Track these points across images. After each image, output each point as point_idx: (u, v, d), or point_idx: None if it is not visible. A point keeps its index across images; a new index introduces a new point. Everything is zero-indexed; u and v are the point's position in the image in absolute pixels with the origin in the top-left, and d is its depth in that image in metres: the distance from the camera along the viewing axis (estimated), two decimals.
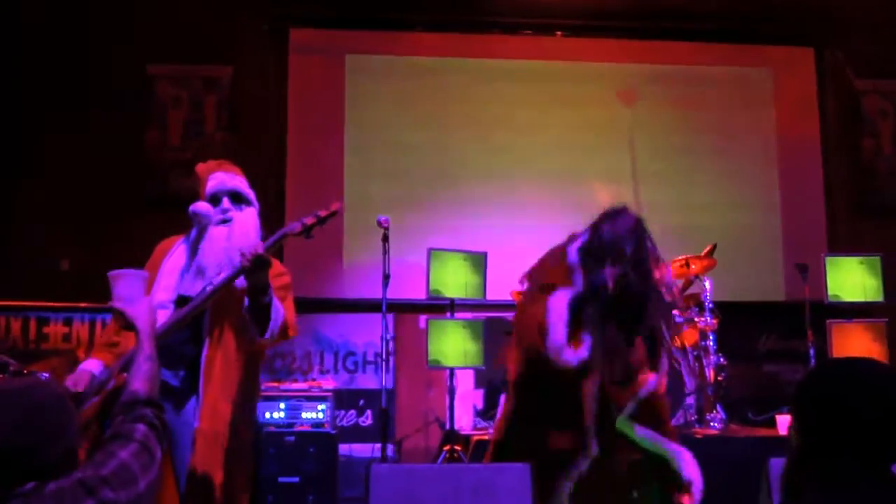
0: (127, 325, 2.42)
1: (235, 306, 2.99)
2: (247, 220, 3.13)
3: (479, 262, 5.52)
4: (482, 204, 6.98)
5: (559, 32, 7.47)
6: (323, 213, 3.02)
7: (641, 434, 2.99)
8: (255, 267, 2.82)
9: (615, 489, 2.98)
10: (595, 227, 3.09)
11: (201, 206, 3.11)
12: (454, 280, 5.41)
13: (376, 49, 7.28)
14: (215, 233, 3.09)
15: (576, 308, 2.97)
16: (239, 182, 3.19)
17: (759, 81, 7.58)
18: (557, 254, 3.17)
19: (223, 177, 3.17)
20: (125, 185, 6.67)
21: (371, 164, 7.04)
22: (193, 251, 3.08)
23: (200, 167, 3.23)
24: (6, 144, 6.64)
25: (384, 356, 3.73)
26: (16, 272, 6.17)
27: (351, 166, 7.05)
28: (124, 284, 2.63)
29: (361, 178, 7.00)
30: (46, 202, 6.56)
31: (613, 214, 3.07)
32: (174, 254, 3.17)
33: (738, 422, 5.79)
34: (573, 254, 3.08)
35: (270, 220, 6.88)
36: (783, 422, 5.12)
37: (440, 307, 5.83)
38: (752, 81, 7.58)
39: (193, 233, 3.13)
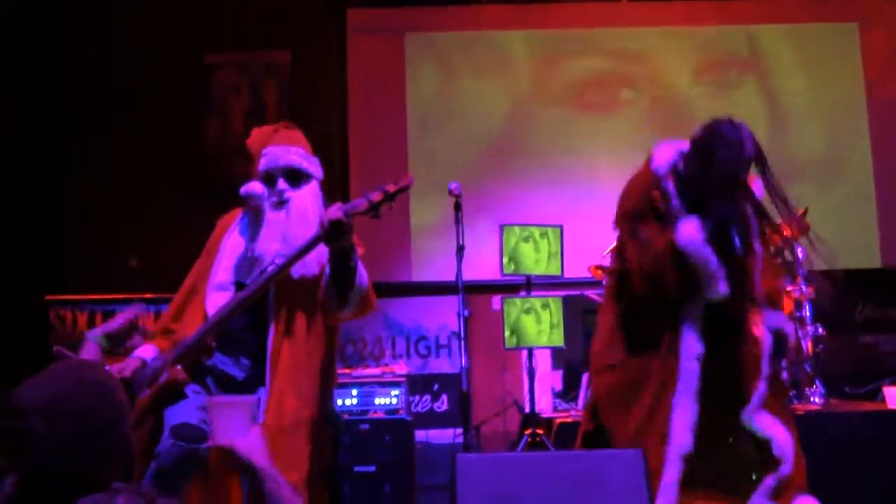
0: (235, 465, 2.04)
1: (305, 290, 2.79)
2: (305, 199, 2.89)
3: (555, 236, 5.23)
4: (556, 178, 6.70)
5: None
6: (391, 188, 2.71)
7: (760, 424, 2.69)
8: (336, 234, 2.60)
9: (739, 470, 2.70)
10: (701, 150, 2.70)
11: (254, 188, 2.88)
12: (529, 256, 5.14)
13: (436, 26, 7.04)
14: (271, 217, 2.86)
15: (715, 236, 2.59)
16: (294, 156, 2.91)
17: (844, 36, 7.11)
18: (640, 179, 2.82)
19: (276, 152, 2.90)
20: (186, 177, 6.58)
21: (435, 143, 6.81)
22: (251, 237, 2.87)
23: (253, 138, 2.97)
24: (61, 143, 6.60)
25: (462, 335, 3.47)
26: (81, 269, 6.12)
27: (414, 147, 6.83)
28: (228, 415, 2.12)
29: (426, 158, 6.78)
30: (106, 199, 6.50)
31: (726, 133, 2.66)
32: (233, 233, 2.97)
33: (836, 396, 5.43)
34: (665, 178, 2.72)
35: (334, 200, 6.82)
36: (892, 395, 4.72)
37: (515, 286, 5.59)
38: (837, 37, 7.11)
39: (248, 216, 2.94)
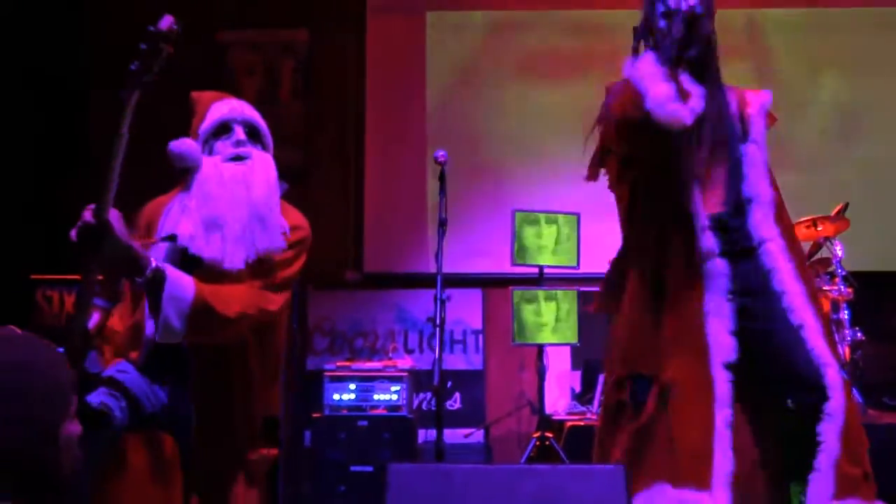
0: None
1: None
2: (268, 164, 2.41)
3: (571, 224, 4.89)
4: (575, 165, 6.35)
5: None
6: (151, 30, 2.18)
7: None
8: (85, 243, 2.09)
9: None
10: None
11: (185, 144, 2.36)
12: (544, 245, 4.83)
13: (458, 4, 6.72)
14: (227, 171, 2.33)
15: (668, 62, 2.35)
16: (257, 115, 2.50)
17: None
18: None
19: (236, 104, 2.47)
20: None
21: (454, 126, 6.50)
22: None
23: (198, 94, 2.53)
24: (80, 122, 6.40)
25: (437, 321, 3.15)
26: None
27: (433, 129, 6.54)
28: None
29: (446, 142, 6.47)
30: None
31: None
32: (171, 211, 2.42)
33: (875, 407, 5.08)
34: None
35: (349, 187, 6.56)
36: None
37: (532, 280, 5.29)
38: (885, 23, 6.66)
39: (186, 183, 2.38)
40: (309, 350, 6.05)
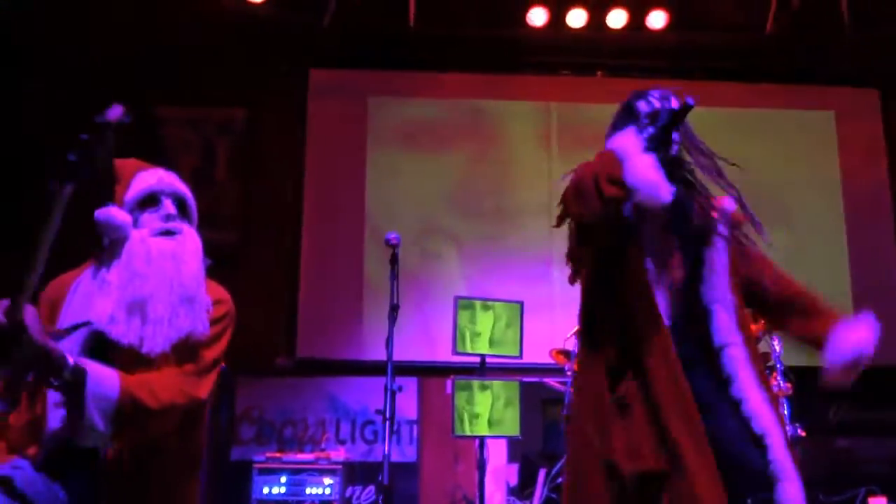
0: None
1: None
2: (197, 241, 2.25)
3: (514, 313, 4.79)
4: (518, 252, 6.33)
5: (600, 72, 6.89)
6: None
7: None
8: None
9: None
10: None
11: (114, 214, 2.17)
12: (485, 335, 4.71)
13: (400, 90, 6.75)
14: (155, 247, 2.17)
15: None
16: (185, 188, 2.33)
17: (820, 125, 6.92)
18: None
19: (164, 174, 2.30)
20: None
21: (395, 211, 6.43)
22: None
23: (121, 161, 2.33)
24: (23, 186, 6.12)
25: (387, 413, 2.99)
26: None
27: (373, 213, 6.45)
28: None
29: (385, 226, 6.40)
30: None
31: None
32: (80, 288, 2.21)
33: None
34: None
35: (284, 269, 6.39)
36: None
37: (471, 368, 5.15)
38: (813, 125, 6.92)
39: (105, 255, 2.19)
40: (234, 440, 5.76)
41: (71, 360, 1.94)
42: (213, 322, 2.21)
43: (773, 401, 2.33)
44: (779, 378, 4.71)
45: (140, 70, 6.34)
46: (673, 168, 2.37)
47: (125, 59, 6.34)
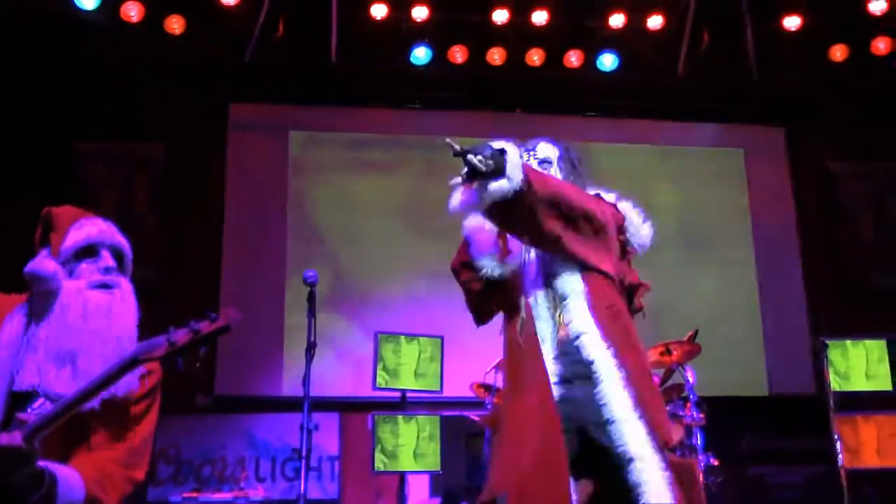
0: None
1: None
2: (132, 297, 2.21)
3: (435, 347, 4.83)
4: (438, 290, 6.37)
5: (518, 109, 7.03)
6: (205, 328, 1.95)
7: None
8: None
9: None
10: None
11: (43, 266, 2.12)
12: (409, 366, 4.72)
13: (321, 125, 6.77)
14: (92, 300, 2.11)
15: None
16: (124, 240, 2.29)
17: (730, 161, 7.18)
18: None
19: (104, 226, 2.24)
20: None
21: (316, 245, 6.42)
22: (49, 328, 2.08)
23: (57, 209, 2.25)
24: None
25: (304, 452, 2.99)
26: None
27: (295, 250, 6.42)
28: None
29: (306, 262, 6.37)
30: None
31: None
32: (12, 323, 2.15)
33: None
34: None
35: (203, 305, 6.27)
36: None
37: (393, 405, 5.14)
38: (722, 161, 7.18)
39: (34, 304, 2.14)
40: (151, 480, 5.62)
41: (46, 472, 1.93)
42: (144, 396, 2.19)
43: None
44: (692, 409, 4.83)
45: (59, 104, 6.23)
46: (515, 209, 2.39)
47: (45, 92, 6.22)
